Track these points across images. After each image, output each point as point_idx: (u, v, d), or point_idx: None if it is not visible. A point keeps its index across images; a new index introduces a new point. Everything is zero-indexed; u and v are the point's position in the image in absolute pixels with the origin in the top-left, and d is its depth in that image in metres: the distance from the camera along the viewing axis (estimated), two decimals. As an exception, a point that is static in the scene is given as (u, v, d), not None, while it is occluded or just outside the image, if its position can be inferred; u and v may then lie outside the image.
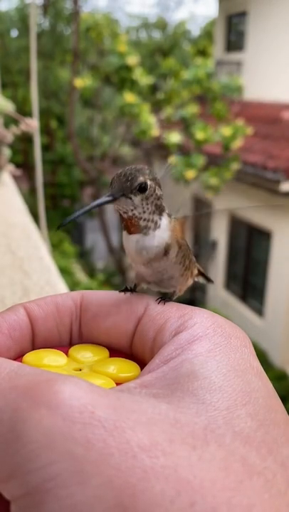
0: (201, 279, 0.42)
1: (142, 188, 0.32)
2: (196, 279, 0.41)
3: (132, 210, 0.32)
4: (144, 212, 0.33)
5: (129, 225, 0.33)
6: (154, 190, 0.33)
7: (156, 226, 0.33)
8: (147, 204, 0.32)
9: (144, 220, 0.33)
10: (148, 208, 0.33)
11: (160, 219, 0.34)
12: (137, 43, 11.82)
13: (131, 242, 0.34)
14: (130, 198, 0.32)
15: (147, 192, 0.32)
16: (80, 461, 0.19)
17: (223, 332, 0.27)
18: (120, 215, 0.33)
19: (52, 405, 0.20)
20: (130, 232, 0.33)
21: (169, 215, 0.35)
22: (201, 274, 0.41)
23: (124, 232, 0.34)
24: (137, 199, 0.32)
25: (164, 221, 0.34)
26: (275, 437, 0.22)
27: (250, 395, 0.23)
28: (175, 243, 0.35)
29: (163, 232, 0.34)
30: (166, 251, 0.34)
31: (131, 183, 0.31)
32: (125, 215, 0.33)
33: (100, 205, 0.32)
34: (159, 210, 0.34)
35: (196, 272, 0.39)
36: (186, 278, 0.37)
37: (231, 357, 0.25)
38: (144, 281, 0.36)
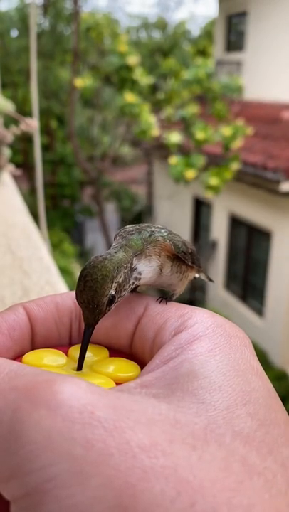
0: (202, 276, 0.42)
1: (110, 301, 0.31)
2: (197, 276, 0.41)
3: (109, 309, 0.31)
4: (121, 296, 0.32)
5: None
6: (120, 286, 0.31)
7: (140, 279, 0.33)
8: (120, 296, 0.31)
9: (125, 293, 0.32)
10: (123, 294, 0.32)
11: (139, 273, 0.33)
12: (137, 43, 11.83)
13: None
14: (106, 312, 0.31)
15: (116, 299, 0.31)
16: (80, 461, 0.18)
17: (223, 332, 0.27)
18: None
19: (51, 405, 0.20)
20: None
21: (145, 248, 0.34)
22: (201, 272, 0.41)
23: None
24: (112, 307, 0.31)
25: (143, 266, 0.33)
26: (275, 437, 0.22)
27: (250, 395, 0.23)
28: (166, 261, 0.35)
29: (147, 271, 0.34)
30: (160, 270, 0.35)
31: (100, 309, 0.30)
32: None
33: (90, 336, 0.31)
34: (130, 278, 0.32)
35: (194, 273, 0.39)
36: (186, 279, 0.38)
37: (231, 357, 0.25)
38: (145, 287, 0.37)
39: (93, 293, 0.30)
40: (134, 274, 0.33)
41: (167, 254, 0.35)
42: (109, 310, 0.31)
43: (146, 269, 0.34)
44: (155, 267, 0.34)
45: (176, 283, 0.37)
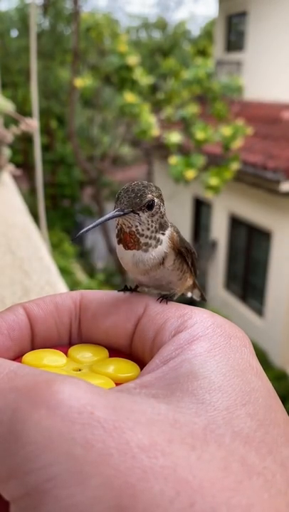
0: (195, 294, 0.42)
1: (150, 206, 0.32)
2: (189, 295, 0.41)
3: (136, 226, 0.32)
4: (147, 229, 0.33)
5: (127, 240, 0.33)
6: (160, 208, 0.33)
7: (158, 243, 0.34)
8: (152, 222, 0.33)
9: (147, 237, 0.33)
10: (152, 226, 0.33)
11: (164, 233, 0.34)
12: (137, 43, 11.82)
13: (126, 255, 0.34)
14: (138, 214, 0.32)
15: (154, 210, 0.33)
16: (80, 461, 0.18)
17: (223, 332, 0.27)
18: (120, 229, 0.33)
19: (51, 406, 0.20)
20: (127, 248, 0.33)
21: (171, 226, 0.35)
22: (196, 287, 0.41)
23: (120, 246, 0.34)
24: (144, 216, 0.32)
25: (167, 236, 0.34)
26: (274, 437, 0.22)
27: (249, 395, 0.23)
28: (172, 252, 0.35)
29: (163, 246, 0.34)
30: (163, 260, 0.34)
31: (140, 199, 0.32)
32: (128, 230, 0.33)
33: (110, 219, 0.32)
34: (163, 227, 0.34)
35: (192, 280, 0.39)
36: (185, 280, 0.38)
37: (231, 357, 0.25)
38: (143, 286, 0.36)
39: (141, 186, 0.32)
40: (159, 235, 0.34)
41: (172, 247, 0.35)
42: (143, 212, 0.32)
43: (164, 242, 0.34)
44: (164, 250, 0.34)
45: (175, 281, 0.36)
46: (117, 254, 0.34)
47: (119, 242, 0.34)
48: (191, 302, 0.39)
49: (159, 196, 0.33)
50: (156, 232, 0.33)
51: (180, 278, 0.37)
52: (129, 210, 0.32)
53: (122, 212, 0.31)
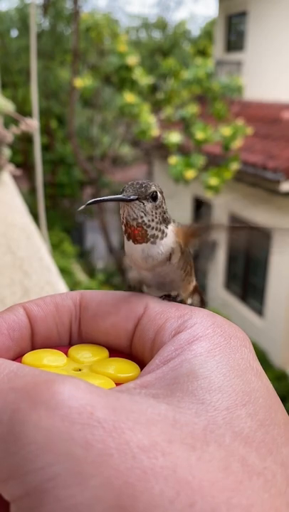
0: (195, 300, 0.41)
1: (154, 197, 0.33)
2: (189, 301, 0.40)
3: (141, 217, 0.33)
4: (152, 220, 0.33)
5: (135, 233, 0.33)
6: (162, 203, 0.34)
7: (164, 235, 0.34)
8: (156, 214, 0.33)
9: (153, 228, 0.33)
10: (156, 217, 0.33)
11: (167, 227, 0.34)
12: (137, 43, 11.82)
13: (136, 250, 0.34)
14: (143, 203, 0.32)
15: (158, 202, 0.33)
16: (80, 461, 0.18)
17: (223, 332, 0.27)
18: (125, 223, 0.33)
19: (51, 406, 0.20)
20: (136, 242, 0.33)
21: (174, 222, 0.35)
22: (196, 291, 0.41)
23: (129, 242, 0.34)
24: (148, 206, 0.33)
25: (170, 229, 0.35)
26: (275, 437, 0.22)
27: (250, 395, 0.23)
28: (178, 248, 0.35)
29: (169, 239, 0.34)
30: (170, 256, 0.34)
31: (145, 189, 0.32)
32: (134, 222, 0.33)
33: (115, 201, 0.33)
34: (166, 221, 0.34)
35: (194, 283, 0.39)
36: (188, 283, 0.37)
37: (231, 357, 0.25)
38: (144, 284, 0.36)
39: (143, 181, 0.33)
40: (163, 227, 0.34)
41: (180, 243, 0.35)
42: (148, 201, 0.33)
43: (170, 234, 0.34)
44: (171, 244, 0.34)
45: (178, 281, 0.36)
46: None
47: (128, 238, 0.34)
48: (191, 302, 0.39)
49: (162, 193, 0.34)
50: (161, 224, 0.34)
51: (183, 279, 0.37)
52: (135, 197, 0.32)
53: (128, 198, 0.32)
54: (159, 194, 0.33)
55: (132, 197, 0.32)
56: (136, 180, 0.33)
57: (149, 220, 0.33)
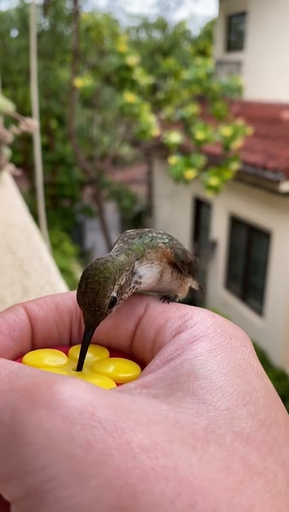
0: (193, 284, 0.42)
1: (112, 303, 0.31)
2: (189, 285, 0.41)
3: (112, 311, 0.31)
4: (122, 299, 0.32)
5: None
6: (121, 289, 0.31)
7: (139, 284, 0.33)
8: (121, 299, 0.31)
9: (128, 294, 0.32)
10: (124, 297, 0.32)
11: (140, 277, 0.33)
12: (137, 43, 11.83)
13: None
14: (107, 314, 0.31)
15: (117, 301, 0.31)
16: (80, 462, 0.18)
17: (224, 332, 0.27)
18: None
19: (51, 406, 0.20)
20: None
21: (146, 252, 0.34)
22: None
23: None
24: (113, 309, 0.31)
25: (144, 270, 0.33)
26: (275, 437, 0.22)
27: (250, 395, 0.23)
28: (166, 267, 0.35)
29: (148, 276, 0.34)
30: (160, 276, 0.35)
31: (101, 311, 0.30)
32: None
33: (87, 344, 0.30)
34: (131, 281, 0.32)
35: (191, 283, 0.40)
36: (186, 284, 0.38)
37: (232, 357, 0.25)
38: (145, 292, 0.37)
39: (95, 295, 0.30)
40: (135, 278, 0.33)
41: (168, 261, 0.35)
42: (110, 312, 0.31)
43: (147, 273, 0.34)
44: (156, 272, 0.34)
45: (176, 289, 0.37)
46: None
47: None
48: (191, 302, 0.39)
49: (122, 270, 0.31)
50: (131, 288, 0.32)
51: (180, 285, 0.37)
52: (97, 323, 0.30)
53: (92, 331, 0.30)
54: (114, 295, 0.30)
55: (95, 325, 0.30)
56: (85, 287, 0.30)
57: (119, 303, 0.31)
